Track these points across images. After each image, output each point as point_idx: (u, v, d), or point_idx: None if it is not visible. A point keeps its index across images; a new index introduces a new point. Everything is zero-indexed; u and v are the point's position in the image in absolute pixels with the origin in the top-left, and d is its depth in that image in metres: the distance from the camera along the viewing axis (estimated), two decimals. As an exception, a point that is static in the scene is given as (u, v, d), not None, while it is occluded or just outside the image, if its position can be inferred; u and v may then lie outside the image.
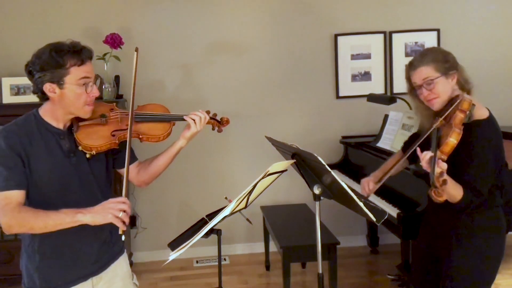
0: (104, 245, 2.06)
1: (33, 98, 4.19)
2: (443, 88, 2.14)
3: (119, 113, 2.06)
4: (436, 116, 2.11)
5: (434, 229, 2.34)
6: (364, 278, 4.13)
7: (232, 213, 2.01)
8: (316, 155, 1.91)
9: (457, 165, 2.04)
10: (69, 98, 1.88)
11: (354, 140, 4.34)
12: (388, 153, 3.53)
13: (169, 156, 2.15)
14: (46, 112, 1.95)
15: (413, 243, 3.08)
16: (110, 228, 1.97)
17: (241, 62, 4.58)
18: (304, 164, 2.08)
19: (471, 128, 2.06)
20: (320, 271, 2.15)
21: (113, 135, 2.00)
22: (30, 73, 1.89)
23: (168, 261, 2.01)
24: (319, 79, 4.66)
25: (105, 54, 4.11)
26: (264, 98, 4.62)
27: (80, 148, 1.95)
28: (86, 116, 1.96)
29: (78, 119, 1.98)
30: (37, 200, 1.88)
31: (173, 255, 1.91)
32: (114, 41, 4.07)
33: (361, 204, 1.89)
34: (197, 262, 4.52)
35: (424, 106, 2.24)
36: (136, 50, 2.08)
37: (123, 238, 1.82)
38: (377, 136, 4.01)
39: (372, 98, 4.26)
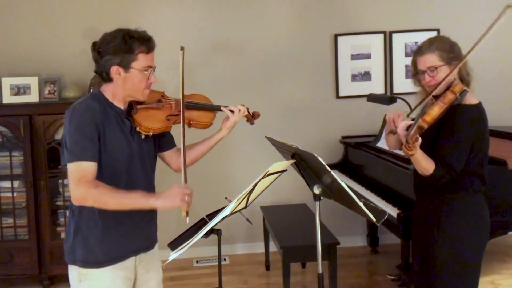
0: (153, 223, 2.24)
1: (33, 98, 4.23)
2: (444, 76, 2.21)
3: (172, 99, 2.25)
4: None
5: (421, 214, 2.44)
6: (364, 278, 4.13)
7: (232, 213, 2.02)
8: (316, 155, 1.92)
9: (436, 143, 2.21)
10: (132, 82, 2.02)
11: (354, 140, 4.34)
12: (388, 153, 3.53)
13: (210, 144, 2.36)
14: (108, 93, 2.06)
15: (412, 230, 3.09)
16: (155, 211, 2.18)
17: (241, 62, 4.58)
18: (304, 164, 2.08)
19: (458, 110, 2.19)
20: (320, 271, 2.15)
21: (168, 119, 2.18)
22: (99, 54, 2.01)
23: (168, 261, 2.02)
24: (319, 79, 4.66)
25: (105, 54, 4.11)
26: (264, 97, 4.62)
27: (137, 129, 2.09)
28: (144, 99, 2.11)
29: (137, 102, 2.12)
30: (107, 172, 1.99)
31: (173, 255, 1.92)
32: (114, 41, 4.07)
33: (361, 204, 1.90)
34: (197, 262, 4.52)
35: (424, 90, 2.35)
36: (182, 49, 2.24)
37: (187, 220, 1.99)
38: (377, 136, 4.01)
39: (372, 98, 4.26)
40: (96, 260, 2.03)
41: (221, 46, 4.55)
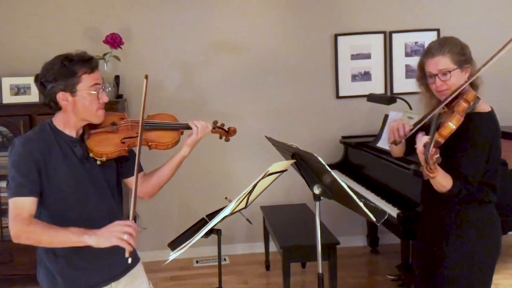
0: (119, 253, 2.06)
1: (32, 98, 4.23)
2: (456, 81, 2.11)
3: (129, 121, 2.14)
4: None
5: (428, 226, 2.32)
6: (364, 278, 4.13)
7: (232, 213, 2.01)
8: (316, 155, 1.91)
9: (451, 155, 2.07)
10: (82, 105, 1.96)
11: (354, 140, 4.34)
12: (388, 153, 3.52)
13: (172, 165, 2.19)
14: (59, 122, 2.01)
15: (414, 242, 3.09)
16: None
17: (241, 62, 4.58)
18: (304, 164, 2.08)
19: (472, 119, 2.06)
20: (320, 271, 2.14)
21: (123, 142, 2.07)
22: (42, 85, 1.97)
23: (168, 261, 2.01)
24: (319, 79, 4.66)
25: (105, 54, 4.11)
26: (264, 98, 4.62)
27: (91, 154, 2.01)
28: (98, 121, 2.04)
29: (90, 127, 2.05)
30: (56, 207, 1.94)
31: (173, 255, 1.91)
32: (114, 41, 4.07)
33: (361, 204, 1.89)
34: (197, 262, 4.52)
35: (429, 94, 2.22)
36: (146, 77, 2.15)
37: (129, 261, 1.81)
38: (377, 136, 4.01)
39: (372, 98, 4.26)
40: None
41: (220, 46, 4.55)
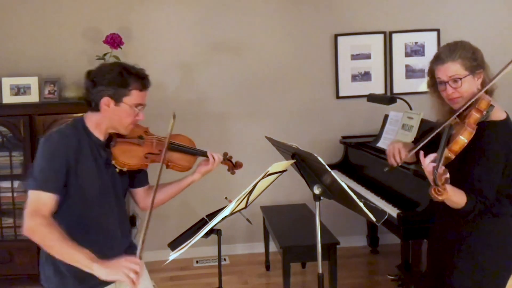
0: (128, 250, 2.13)
1: (33, 98, 4.23)
2: (469, 88, 2.01)
3: (154, 138, 2.22)
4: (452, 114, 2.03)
5: (440, 238, 2.23)
6: (364, 278, 4.13)
7: (232, 213, 2.02)
8: (316, 155, 1.91)
9: (464, 167, 1.97)
10: (119, 115, 2.01)
11: (354, 140, 4.34)
12: (388, 153, 3.52)
13: (181, 187, 2.30)
14: (91, 122, 2.04)
15: (416, 242, 3.07)
16: (128, 244, 2.15)
17: (241, 62, 4.58)
18: (304, 164, 2.08)
19: (485, 128, 1.96)
20: (320, 271, 2.15)
21: (146, 157, 2.15)
22: (93, 82, 1.99)
23: (168, 261, 2.02)
24: (319, 79, 4.66)
25: (105, 54, 4.11)
26: (264, 98, 4.62)
27: (113, 162, 2.07)
28: (126, 133, 2.09)
29: (117, 135, 2.10)
30: (79, 202, 1.97)
31: (173, 255, 1.91)
32: (114, 41, 4.07)
33: (361, 204, 1.89)
34: (197, 262, 4.52)
35: (441, 102, 2.12)
36: (174, 116, 2.22)
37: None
38: (377, 136, 4.01)
39: (372, 98, 4.26)
40: (74, 286, 2.00)
41: (220, 46, 4.55)
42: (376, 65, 4.68)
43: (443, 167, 1.75)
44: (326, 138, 4.65)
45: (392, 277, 3.66)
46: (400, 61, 4.69)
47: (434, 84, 2.12)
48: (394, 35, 4.66)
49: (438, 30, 4.63)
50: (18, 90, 4.16)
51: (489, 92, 2.06)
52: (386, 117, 4.01)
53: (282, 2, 4.59)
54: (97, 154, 2.02)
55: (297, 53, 4.61)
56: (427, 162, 1.85)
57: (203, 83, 4.56)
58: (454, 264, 2.09)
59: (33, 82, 4.17)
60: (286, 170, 2.12)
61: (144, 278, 2.22)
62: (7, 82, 4.15)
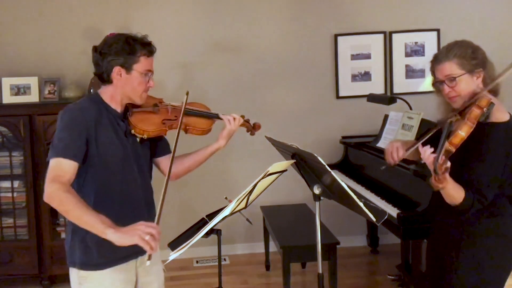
0: (151, 220, 2.10)
1: (33, 98, 4.23)
2: (466, 86, 2.02)
3: (169, 105, 2.29)
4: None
5: (440, 237, 2.23)
6: (364, 278, 4.13)
7: (232, 213, 2.02)
8: (316, 155, 1.91)
9: (464, 166, 1.98)
10: (132, 84, 2.06)
11: (354, 140, 4.34)
12: (388, 153, 3.52)
13: (206, 153, 2.33)
14: (106, 95, 2.09)
15: (415, 242, 3.08)
16: (154, 214, 2.12)
17: (241, 62, 4.58)
18: (304, 164, 2.08)
19: (486, 129, 1.96)
20: (320, 271, 2.15)
21: (164, 123, 2.20)
22: (101, 55, 2.04)
23: (168, 261, 2.02)
24: (319, 79, 4.66)
25: (105, 54, 4.11)
26: (264, 98, 4.62)
27: (132, 131, 2.11)
28: (141, 102, 2.14)
29: (133, 106, 2.15)
30: (101, 171, 2.01)
31: (173, 255, 1.91)
32: (114, 41, 4.07)
33: (361, 204, 1.89)
34: (197, 262, 4.52)
35: (445, 101, 2.14)
36: (187, 93, 2.28)
37: (148, 263, 1.82)
38: (377, 136, 4.01)
39: (372, 98, 4.26)
40: (94, 263, 2.03)
41: (220, 46, 4.55)
42: (376, 65, 4.68)
43: (443, 157, 1.78)
44: (326, 138, 4.65)
45: (392, 277, 3.66)
46: (400, 61, 4.69)
47: (437, 83, 2.14)
48: (394, 35, 4.66)
49: (438, 30, 4.63)
50: (18, 90, 4.16)
51: (493, 92, 2.05)
52: (386, 117, 4.01)
53: (282, 2, 4.59)
54: (116, 125, 2.07)
55: (297, 53, 4.61)
56: (428, 153, 1.88)
57: (203, 83, 4.56)
58: (455, 263, 2.09)
59: (33, 82, 4.17)
60: (286, 170, 2.12)
61: (156, 262, 2.24)
62: (7, 82, 4.15)
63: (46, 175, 1.90)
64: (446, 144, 1.84)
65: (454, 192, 1.93)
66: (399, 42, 4.67)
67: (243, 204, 2.06)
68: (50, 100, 4.18)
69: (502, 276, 2.11)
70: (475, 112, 1.91)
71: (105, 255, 2.02)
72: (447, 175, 1.79)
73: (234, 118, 2.33)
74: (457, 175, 1.92)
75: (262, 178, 1.96)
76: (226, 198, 2.52)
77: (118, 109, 2.10)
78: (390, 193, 3.43)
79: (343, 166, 4.35)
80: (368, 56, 4.67)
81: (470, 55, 2.04)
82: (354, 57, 4.66)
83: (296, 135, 4.55)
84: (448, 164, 1.78)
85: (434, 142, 1.96)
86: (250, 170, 4.44)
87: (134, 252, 2.08)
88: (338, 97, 4.68)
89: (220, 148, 2.33)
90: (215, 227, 2.10)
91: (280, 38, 4.60)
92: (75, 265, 2.06)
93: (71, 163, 1.91)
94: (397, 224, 3.01)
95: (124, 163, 2.07)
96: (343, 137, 4.54)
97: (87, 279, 2.04)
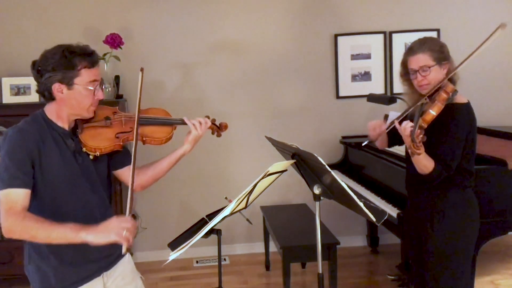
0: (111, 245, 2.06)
1: (33, 98, 4.24)
2: (435, 76, 2.32)
3: (122, 116, 2.11)
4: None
5: (414, 212, 2.54)
6: (364, 278, 4.13)
7: (232, 213, 2.02)
8: (316, 155, 1.92)
9: (434, 141, 2.27)
10: (76, 99, 1.92)
11: (354, 140, 4.34)
12: (388, 153, 3.53)
13: (172, 160, 2.17)
14: (51, 113, 1.98)
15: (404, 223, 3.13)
16: None
17: (241, 62, 4.58)
18: (304, 164, 2.08)
19: (450, 109, 2.27)
20: (320, 271, 2.15)
21: (117, 137, 2.04)
22: (38, 72, 1.93)
23: (168, 261, 2.01)
24: (319, 79, 4.66)
25: (105, 54, 4.11)
26: (264, 97, 4.62)
27: (84, 149, 1.98)
28: (89, 116, 2.00)
29: (82, 121, 2.01)
30: (48, 199, 1.91)
31: (173, 255, 1.91)
32: (114, 41, 4.07)
33: (361, 204, 1.90)
34: (197, 262, 4.52)
35: (412, 90, 2.45)
36: (142, 70, 2.11)
37: (123, 252, 1.79)
38: (377, 136, 4.01)
39: (372, 98, 4.24)
40: (56, 285, 1.96)
41: (220, 46, 4.55)
42: (376, 65, 4.68)
43: (419, 130, 2.09)
44: (326, 138, 4.66)
45: (392, 277, 3.66)
46: (400, 61, 4.67)
47: (406, 73, 2.45)
48: (394, 35, 4.66)
49: (438, 30, 4.63)
50: (18, 90, 4.16)
51: (453, 82, 2.37)
52: (386, 117, 4.00)
53: (282, 2, 4.59)
54: (63, 145, 1.95)
55: (297, 53, 4.61)
56: (404, 125, 2.18)
57: (203, 83, 4.56)
58: (430, 231, 2.40)
59: (33, 82, 4.12)
60: (286, 170, 2.12)
61: (131, 271, 2.19)
62: (7, 82, 4.15)
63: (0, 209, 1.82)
64: (420, 121, 2.13)
65: (426, 161, 2.25)
66: (399, 42, 4.67)
67: (243, 204, 2.06)
68: (50, 100, 4.18)
69: (471, 237, 2.42)
70: (443, 96, 2.21)
71: (64, 279, 1.96)
72: (422, 144, 2.10)
73: (200, 123, 2.15)
74: (428, 149, 2.22)
75: (262, 178, 1.96)
76: (226, 198, 2.52)
77: (66, 126, 1.98)
78: (390, 193, 3.43)
79: (343, 166, 4.35)
80: (368, 56, 4.67)
81: (439, 49, 2.36)
82: (354, 57, 4.66)
83: (296, 135, 4.55)
84: (423, 135, 2.08)
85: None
86: (250, 170, 4.45)
87: (97, 269, 2.03)
88: (338, 97, 4.68)
89: (186, 154, 2.17)
90: (215, 227, 2.10)
91: (280, 38, 4.60)
92: None
93: (21, 191, 1.83)
94: (397, 224, 3.01)
95: (73, 185, 1.95)
96: (343, 137, 4.54)
97: None
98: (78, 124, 2.01)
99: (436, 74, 2.33)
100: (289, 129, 4.61)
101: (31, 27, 4.38)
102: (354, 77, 4.68)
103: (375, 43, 4.65)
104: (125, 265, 2.16)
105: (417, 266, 2.59)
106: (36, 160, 1.87)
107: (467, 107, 2.35)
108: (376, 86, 4.67)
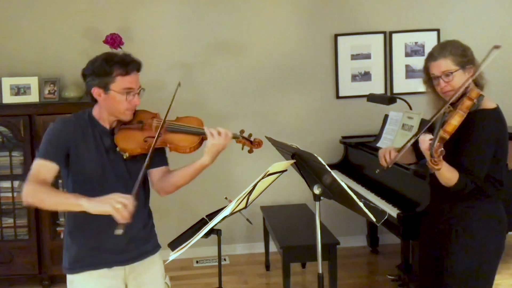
0: (132, 241, 2.15)
1: (33, 98, 4.23)
2: (459, 81, 2.18)
3: (156, 121, 2.20)
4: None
5: (434, 225, 2.36)
6: (364, 278, 4.13)
7: (232, 213, 2.02)
8: (316, 155, 1.92)
9: (458, 150, 2.14)
10: (111, 103, 2.08)
11: (354, 140, 4.34)
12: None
13: (190, 170, 2.18)
14: (96, 112, 2.16)
15: (416, 242, 3.08)
16: (141, 226, 2.20)
17: (241, 62, 4.58)
18: (304, 164, 2.08)
19: (477, 115, 2.13)
20: (320, 271, 2.15)
21: (146, 141, 2.14)
22: (83, 76, 2.12)
23: (168, 261, 2.02)
24: (319, 79, 4.66)
25: (105, 54, 4.11)
26: (264, 98, 4.62)
27: (117, 149, 2.12)
28: (126, 119, 2.14)
29: (121, 122, 2.16)
30: (81, 182, 2.08)
31: (173, 255, 1.91)
32: (114, 41, 4.07)
33: (361, 204, 1.90)
34: (197, 262, 4.52)
35: (436, 97, 2.31)
36: (179, 84, 2.28)
37: (118, 232, 1.83)
38: (377, 136, 4.01)
39: (372, 98, 4.26)
40: (77, 265, 2.12)
41: (220, 46, 4.55)
42: (376, 65, 4.68)
43: (438, 143, 1.94)
44: (326, 138, 4.65)
45: (392, 277, 3.66)
46: (400, 61, 4.68)
47: (429, 80, 2.33)
48: (394, 35, 4.66)
49: (438, 30, 4.63)
50: (18, 90, 4.16)
51: (480, 87, 2.23)
52: (386, 117, 4.01)
53: (282, 2, 4.59)
54: (100, 141, 2.11)
55: (297, 53, 4.61)
56: (422, 138, 2.05)
57: (203, 83, 4.56)
58: (452, 244, 2.23)
59: (33, 82, 4.17)
60: (286, 170, 2.12)
61: (157, 267, 2.25)
62: (7, 82, 4.15)
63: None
64: (441, 132, 1.99)
65: (448, 174, 2.09)
66: (399, 42, 4.67)
67: (243, 204, 2.06)
68: (50, 100, 4.18)
69: (498, 253, 2.25)
70: (467, 103, 2.08)
71: (85, 257, 2.10)
72: (441, 158, 1.95)
73: (220, 133, 2.13)
74: (452, 160, 2.09)
75: (262, 178, 1.96)
76: (226, 198, 2.53)
77: (107, 125, 2.15)
78: (390, 193, 3.43)
79: (343, 166, 4.35)
80: (368, 56, 4.67)
81: (461, 53, 2.22)
82: (354, 57, 4.66)
83: (296, 135, 4.55)
84: (442, 149, 1.93)
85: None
86: (250, 170, 4.44)
87: (120, 260, 2.13)
88: (338, 97, 4.68)
89: (204, 165, 2.14)
90: (215, 227, 2.10)
91: (280, 38, 4.60)
92: (64, 270, 2.16)
93: (49, 164, 2.02)
94: (397, 224, 3.01)
95: (103, 180, 2.09)
96: (343, 137, 4.54)
97: (73, 284, 2.13)
98: (117, 125, 2.16)
99: (460, 79, 2.18)
100: (289, 129, 4.61)
101: (31, 27, 4.37)
102: (354, 77, 4.68)
103: (375, 43, 4.65)
104: (150, 265, 2.22)
105: (430, 277, 2.41)
106: (72, 149, 2.06)
107: (495, 112, 2.19)
108: (376, 86, 4.67)
